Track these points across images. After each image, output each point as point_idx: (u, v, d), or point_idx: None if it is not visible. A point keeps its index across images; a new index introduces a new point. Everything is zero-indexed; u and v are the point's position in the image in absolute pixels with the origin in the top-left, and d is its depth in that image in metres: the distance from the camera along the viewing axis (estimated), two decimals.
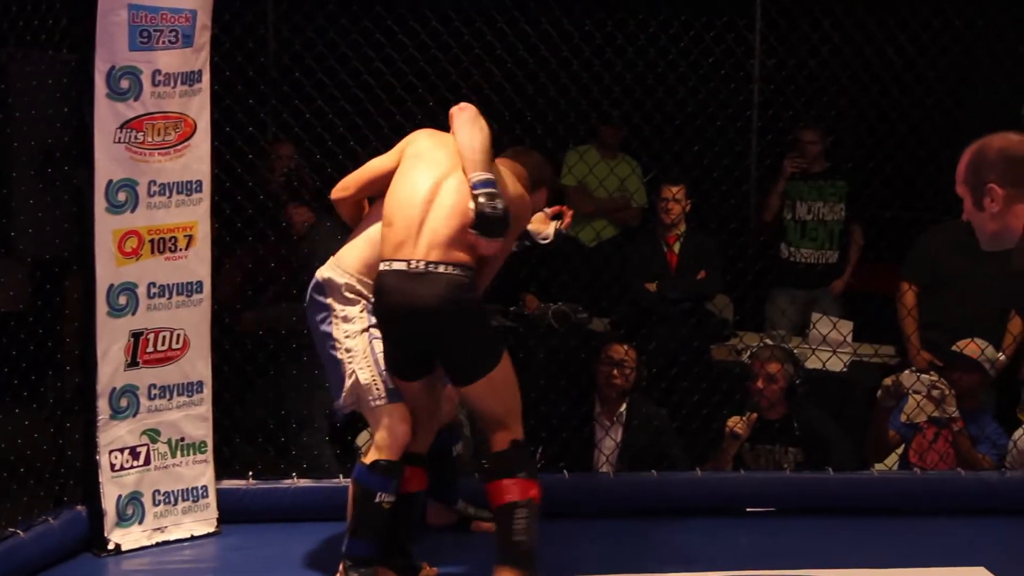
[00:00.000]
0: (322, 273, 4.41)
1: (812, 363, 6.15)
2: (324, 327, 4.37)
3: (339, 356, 4.33)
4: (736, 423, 5.64)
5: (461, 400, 4.57)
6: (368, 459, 4.28)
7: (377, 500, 4.24)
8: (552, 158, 6.15)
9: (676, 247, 6.70)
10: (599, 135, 7.06)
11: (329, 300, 4.37)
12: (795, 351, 5.98)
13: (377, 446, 4.29)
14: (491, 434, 4.26)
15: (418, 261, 4.14)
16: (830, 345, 6.30)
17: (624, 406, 5.72)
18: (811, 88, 6.36)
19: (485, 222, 4.12)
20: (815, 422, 5.71)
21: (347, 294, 4.35)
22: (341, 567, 4.28)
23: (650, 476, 5.34)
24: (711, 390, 5.90)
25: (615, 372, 5.67)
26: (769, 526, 5.25)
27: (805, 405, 5.75)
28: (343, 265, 4.39)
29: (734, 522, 5.26)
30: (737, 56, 6.29)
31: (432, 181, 4.22)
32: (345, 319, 4.34)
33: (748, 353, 6.05)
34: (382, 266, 4.21)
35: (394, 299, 4.15)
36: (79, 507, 4.69)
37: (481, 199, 4.12)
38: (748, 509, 5.37)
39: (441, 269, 4.12)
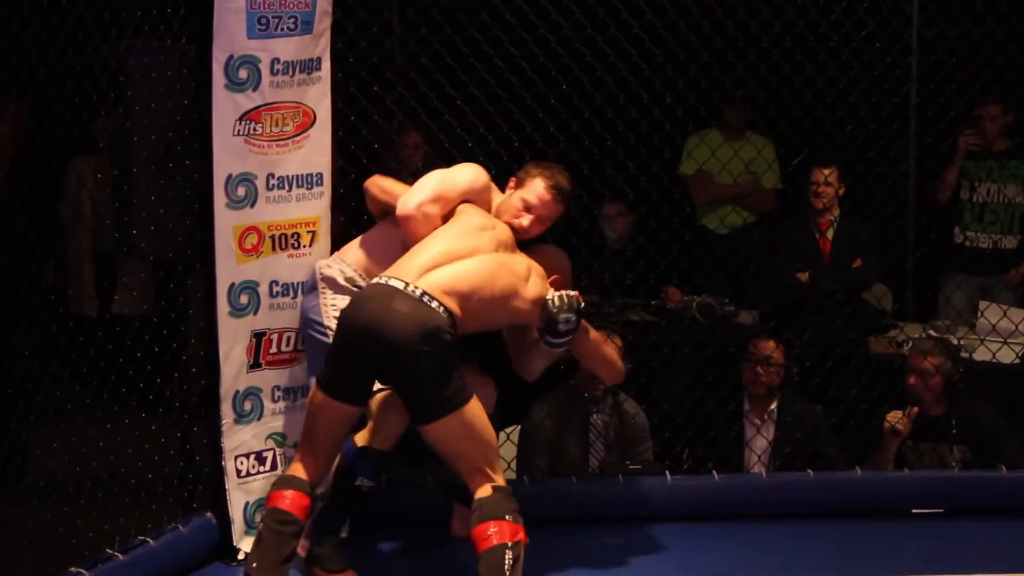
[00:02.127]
0: (322, 270, 4.60)
1: (981, 354, 6.00)
2: (312, 315, 4.56)
3: (327, 339, 4.44)
4: (897, 419, 5.53)
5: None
6: (361, 442, 4.45)
7: (358, 483, 4.47)
8: (671, 143, 6.11)
9: (829, 233, 6.58)
10: (722, 116, 6.95)
11: (324, 290, 4.55)
12: (962, 342, 5.81)
13: (373, 431, 4.46)
14: (471, 483, 4.22)
15: (416, 288, 4.20)
16: (1001, 335, 6.11)
17: (775, 403, 5.65)
18: (975, 60, 6.16)
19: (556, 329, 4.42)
20: (982, 417, 5.58)
21: (343, 283, 4.52)
22: (307, 532, 4.44)
23: (805, 476, 5.26)
24: (869, 384, 5.78)
25: (760, 370, 5.61)
26: (937, 528, 5.16)
27: (969, 400, 5.64)
28: (347, 259, 4.59)
29: (898, 525, 5.17)
30: (893, 27, 6.12)
31: (468, 246, 4.39)
32: (334, 307, 4.47)
33: (909, 345, 5.92)
34: (376, 278, 4.30)
35: (371, 306, 4.18)
36: (208, 514, 4.73)
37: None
38: (914, 510, 5.28)
39: (434, 304, 4.18)
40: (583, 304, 4.45)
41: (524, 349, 4.59)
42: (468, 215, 4.52)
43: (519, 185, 4.65)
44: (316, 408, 4.30)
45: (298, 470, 4.32)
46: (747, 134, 6.96)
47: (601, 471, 5.50)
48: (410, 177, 5.88)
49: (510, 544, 4.09)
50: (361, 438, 4.49)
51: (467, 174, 4.63)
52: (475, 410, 4.19)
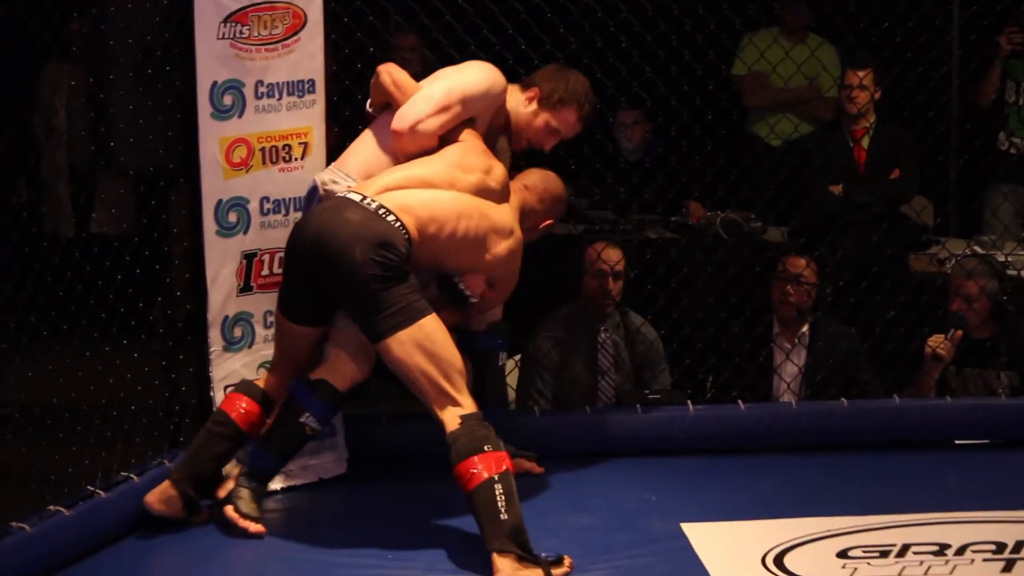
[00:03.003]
0: (322, 178, 4.54)
1: None
2: None
3: None
4: (939, 343, 5.54)
5: None
6: (314, 375, 4.41)
7: (302, 420, 4.40)
8: (723, 43, 6.04)
9: (864, 142, 6.57)
10: (782, 17, 6.91)
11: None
12: (1009, 258, 5.81)
13: (329, 367, 4.42)
14: (436, 409, 4.20)
15: (372, 200, 4.23)
16: None
17: (806, 326, 5.66)
18: None
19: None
20: None
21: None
22: (235, 471, 4.47)
23: (839, 405, 5.26)
24: (908, 305, 5.76)
25: (791, 289, 5.62)
26: (981, 460, 5.16)
27: (1018, 322, 5.65)
28: (346, 169, 4.53)
29: (940, 456, 5.18)
30: None
31: (446, 179, 4.40)
32: None
33: (951, 263, 5.90)
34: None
35: (321, 217, 4.24)
36: None
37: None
38: (956, 441, 5.28)
39: (390, 219, 4.20)
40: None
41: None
42: (463, 151, 4.49)
43: (548, 104, 4.64)
44: (277, 327, 4.46)
45: (260, 383, 4.50)
46: (808, 36, 6.93)
47: (617, 400, 5.51)
48: None
49: (497, 477, 4.07)
50: (316, 374, 4.46)
51: (480, 79, 4.56)
52: (431, 326, 4.19)
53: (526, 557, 4.02)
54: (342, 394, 4.47)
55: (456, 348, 4.24)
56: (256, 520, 4.41)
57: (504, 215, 4.52)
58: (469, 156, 4.50)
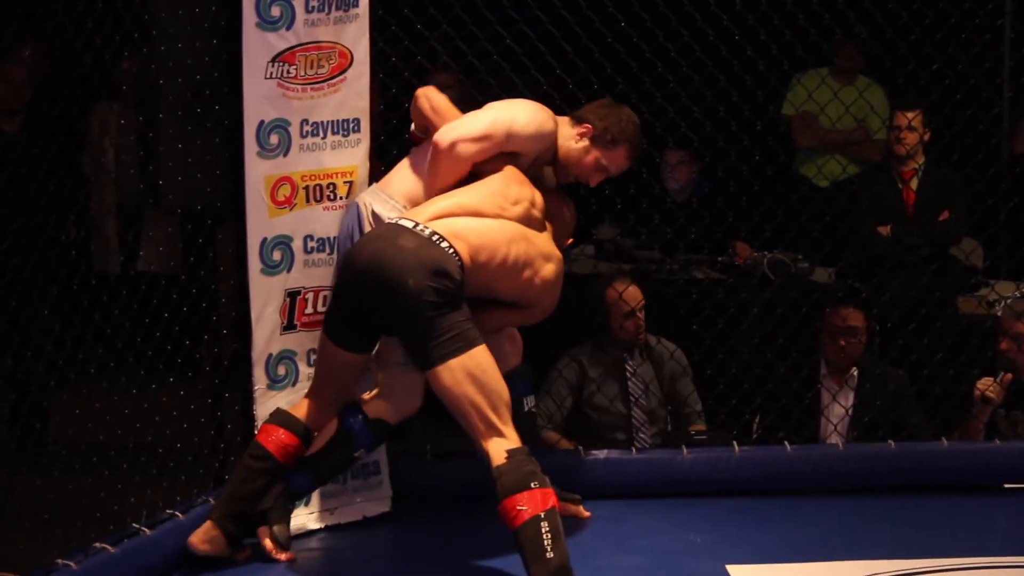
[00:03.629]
0: (365, 201, 4.57)
1: None
2: None
3: None
4: (988, 386, 5.52)
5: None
6: (372, 413, 4.47)
7: (356, 455, 4.51)
8: (771, 84, 6.05)
9: (913, 183, 6.55)
10: (833, 58, 6.91)
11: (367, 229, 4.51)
12: None
13: (383, 404, 4.49)
14: (481, 444, 4.19)
15: (426, 227, 4.25)
16: None
17: (854, 368, 5.62)
18: None
19: None
20: None
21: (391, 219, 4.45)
22: (276, 490, 4.49)
23: (887, 447, 5.24)
24: (957, 348, 5.75)
25: (844, 343, 5.66)
26: None
27: None
28: (390, 191, 4.57)
29: (989, 500, 5.16)
30: None
31: (494, 209, 4.44)
32: None
33: (1002, 305, 5.87)
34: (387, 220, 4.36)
35: (375, 245, 4.25)
36: None
37: None
38: (1006, 485, 5.25)
39: (444, 245, 4.21)
40: None
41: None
42: (506, 181, 4.52)
43: (601, 142, 4.64)
44: (321, 353, 4.46)
45: (299, 410, 4.48)
46: (857, 78, 6.93)
47: (663, 443, 5.50)
48: None
49: (543, 515, 4.04)
50: (371, 409, 4.50)
51: (529, 119, 4.59)
52: (482, 356, 4.18)
53: None
54: (392, 428, 4.52)
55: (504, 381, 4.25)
56: (285, 548, 4.48)
57: (547, 241, 4.55)
58: (512, 187, 4.52)
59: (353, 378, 4.49)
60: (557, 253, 4.57)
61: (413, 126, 4.73)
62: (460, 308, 4.18)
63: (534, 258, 4.44)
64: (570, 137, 4.67)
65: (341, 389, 4.49)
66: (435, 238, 4.21)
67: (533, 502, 4.05)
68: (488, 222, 4.39)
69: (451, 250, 4.21)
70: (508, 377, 4.59)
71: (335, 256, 4.69)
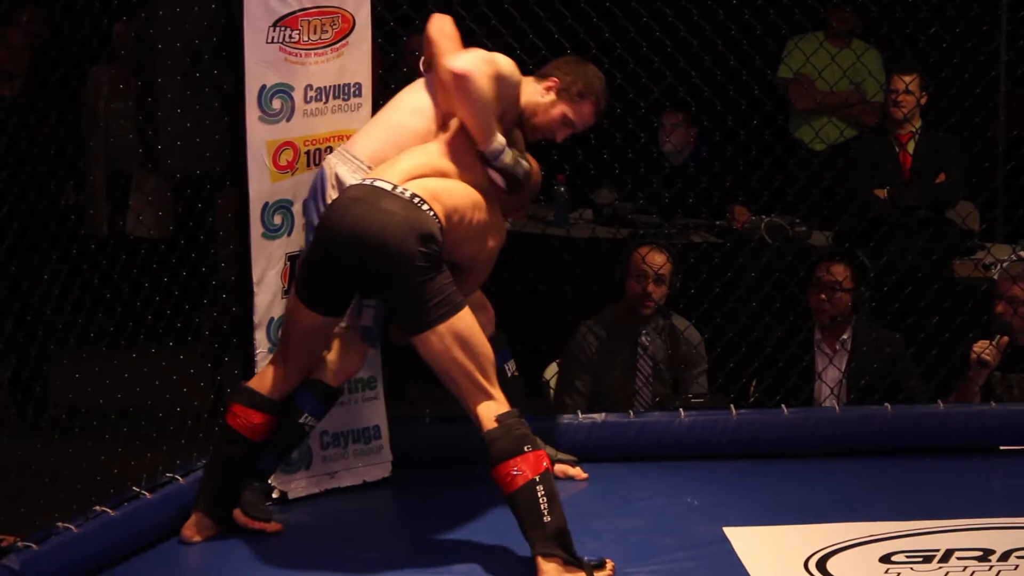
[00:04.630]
0: (331, 165, 4.50)
1: None
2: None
3: None
4: (984, 348, 5.53)
5: None
6: (312, 375, 4.46)
7: (301, 420, 4.46)
8: (769, 48, 6.06)
9: (910, 146, 6.58)
10: (828, 22, 6.92)
11: (331, 193, 4.43)
12: None
13: (321, 365, 4.46)
14: (471, 408, 4.18)
15: (404, 189, 4.20)
16: None
17: (848, 331, 5.67)
18: None
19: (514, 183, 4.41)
20: None
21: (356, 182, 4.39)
22: None
23: (883, 410, 5.26)
24: (953, 311, 5.77)
25: (824, 297, 5.62)
26: None
27: None
28: (355, 153, 4.50)
29: (984, 462, 5.18)
30: None
31: (460, 166, 4.40)
32: None
33: (998, 268, 5.90)
34: (362, 180, 4.30)
35: (358, 209, 4.17)
36: None
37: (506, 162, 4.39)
38: (1001, 447, 5.27)
39: (425, 208, 4.17)
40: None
41: None
42: (467, 142, 4.45)
43: (567, 96, 4.57)
44: (290, 318, 4.41)
45: (260, 382, 4.45)
46: (853, 42, 6.94)
47: (659, 403, 5.53)
48: None
49: (538, 478, 4.05)
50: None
51: (507, 65, 4.49)
52: (468, 319, 4.17)
53: (571, 560, 4.03)
54: (335, 389, 4.51)
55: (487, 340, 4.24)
56: (267, 520, 4.48)
57: (497, 212, 4.50)
58: (471, 149, 4.45)
59: (321, 343, 4.44)
60: (503, 223, 4.55)
61: (422, 60, 4.63)
62: (444, 271, 4.16)
63: (488, 228, 4.41)
64: (536, 92, 4.59)
65: (308, 355, 4.44)
66: (416, 200, 4.17)
67: (527, 466, 4.05)
68: (456, 184, 4.35)
69: (431, 212, 4.17)
70: None
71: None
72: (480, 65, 4.34)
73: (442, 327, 4.12)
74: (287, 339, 4.44)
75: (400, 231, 4.10)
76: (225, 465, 4.45)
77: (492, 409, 4.14)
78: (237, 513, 4.45)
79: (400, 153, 4.40)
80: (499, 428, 4.11)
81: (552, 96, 4.59)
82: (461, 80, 4.32)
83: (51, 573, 4.00)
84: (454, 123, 4.47)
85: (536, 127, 4.61)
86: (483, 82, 4.32)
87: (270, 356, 4.64)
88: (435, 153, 4.41)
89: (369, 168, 4.43)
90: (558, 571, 4.02)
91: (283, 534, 4.48)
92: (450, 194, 4.29)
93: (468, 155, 4.42)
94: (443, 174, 4.36)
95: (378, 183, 4.23)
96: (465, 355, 4.14)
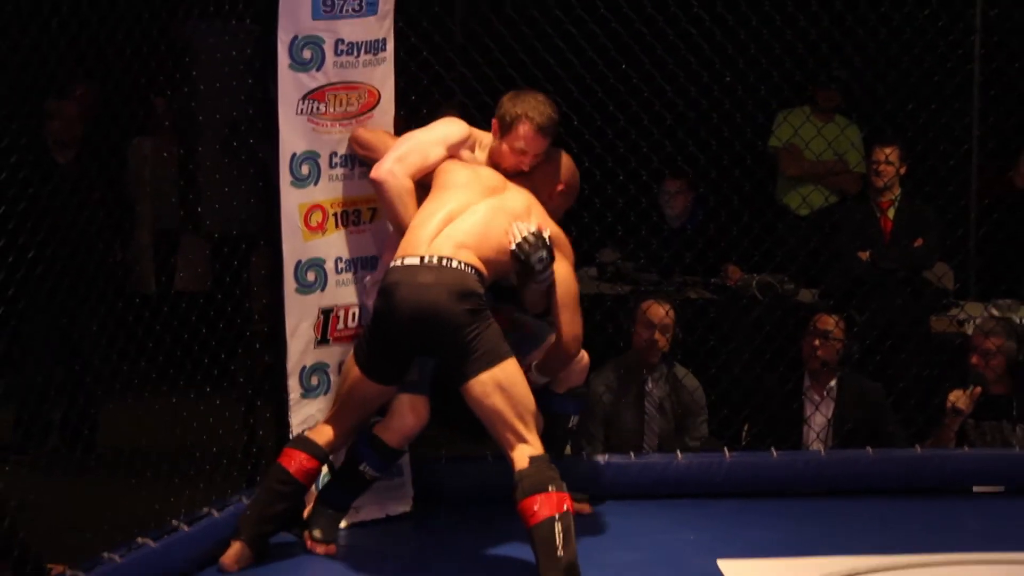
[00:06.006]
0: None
1: None
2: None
3: None
4: (958, 397, 5.55)
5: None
6: (375, 431, 4.54)
7: (361, 468, 4.55)
8: (760, 121, 6.12)
9: (890, 213, 6.57)
10: (814, 98, 6.98)
11: None
12: (1023, 321, 5.82)
13: (384, 424, 4.54)
14: (506, 448, 4.23)
15: (431, 256, 4.25)
16: None
17: (834, 380, 5.68)
18: None
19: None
20: None
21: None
22: (311, 503, 4.62)
23: (865, 454, 5.28)
24: (930, 363, 5.80)
25: (817, 343, 5.64)
26: (997, 506, 5.16)
27: None
28: None
29: (959, 503, 5.18)
30: (956, 5, 6.11)
31: (462, 202, 4.39)
32: None
33: (971, 324, 5.93)
34: (392, 263, 4.33)
35: (401, 292, 4.23)
36: None
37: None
38: (975, 489, 5.27)
39: (455, 264, 4.23)
40: (547, 235, 4.39)
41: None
42: (450, 172, 4.50)
43: (502, 129, 4.55)
44: (351, 383, 4.44)
45: (318, 434, 4.49)
46: (836, 117, 7.00)
47: (660, 447, 5.54)
48: None
49: (558, 516, 4.09)
50: (378, 427, 4.57)
51: (439, 129, 4.60)
52: (510, 369, 4.23)
53: None
54: (394, 450, 4.58)
55: (531, 392, 4.29)
56: (328, 543, 4.56)
57: (517, 200, 4.47)
58: (458, 173, 4.47)
59: (376, 407, 4.54)
60: (535, 203, 4.50)
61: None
62: (489, 323, 4.22)
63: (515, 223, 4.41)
64: (490, 140, 4.64)
65: (363, 417, 4.54)
66: (444, 262, 4.23)
67: (549, 504, 4.10)
68: (466, 218, 4.35)
69: (462, 265, 4.24)
70: (563, 395, 4.69)
71: (359, 276, 4.76)
72: (393, 168, 4.47)
73: (484, 376, 4.19)
74: (347, 403, 4.47)
75: (441, 299, 4.18)
76: (273, 501, 4.48)
77: (526, 451, 4.19)
78: (306, 534, 4.57)
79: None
80: (529, 468, 4.16)
81: (496, 138, 4.60)
82: (377, 186, 4.49)
83: None
84: (442, 166, 4.52)
85: (505, 169, 4.58)
86: (393, 185, 4.45)
87: (302, 401, 4.71)
88: (441, 200, 4.41)
89: None
90: None
91: (318, 564, 4.51)
92: (468, 233, 4.31)
93: (466, 181, 4.45)
94: (455, 215, 4.36)
95: (407, 260, 4.28)
96: (504, 402, 4.20)
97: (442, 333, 4.21)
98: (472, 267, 4.26)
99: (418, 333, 4.25)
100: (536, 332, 4.69)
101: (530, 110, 4.51)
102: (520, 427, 4.21)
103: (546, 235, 4.37)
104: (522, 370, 4.30)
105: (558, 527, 4.08)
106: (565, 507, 4.12)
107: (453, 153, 4.59)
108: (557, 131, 4.61)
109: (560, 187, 4.66)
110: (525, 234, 4.34)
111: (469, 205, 4.40)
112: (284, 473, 4.46)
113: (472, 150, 4.65)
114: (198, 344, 4.89)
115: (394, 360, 4.38)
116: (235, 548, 4.43)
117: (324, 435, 4.50)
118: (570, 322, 4.50)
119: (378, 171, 4.50)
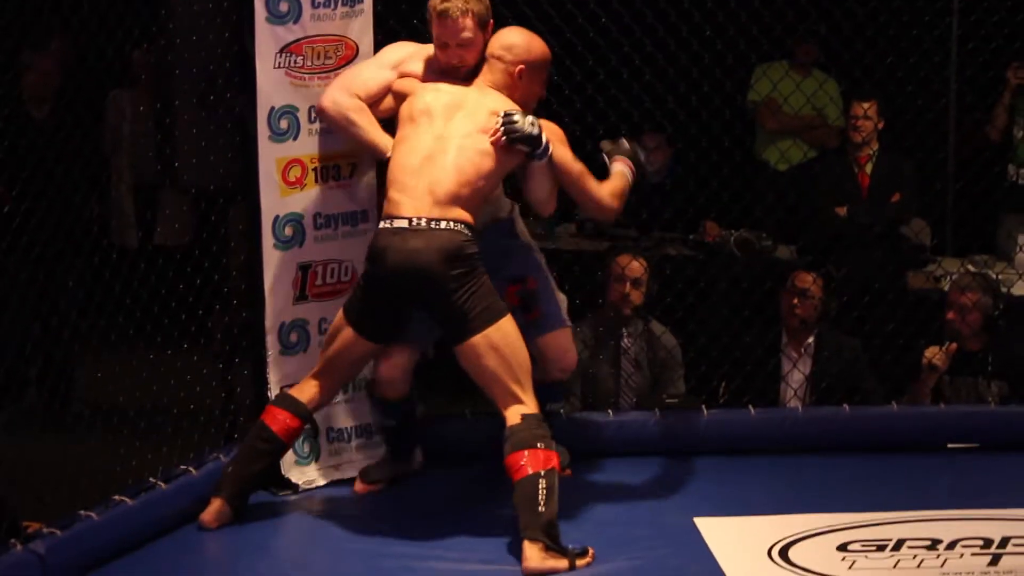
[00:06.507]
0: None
1: (1020, 289, 5.99)
2: None
3: None
4: (934, 354, 5.56)
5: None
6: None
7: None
8: (739, 76, 6.08)
9: (868, 168, 6.58)
10: (792, 53, 6.95)
11: None
12: (1000, 276, 5.82)
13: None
14: (501, 407, 4.24)
15: (419, 219, 4.21)
16: None
17: (812, 337, 5.69)
18: None
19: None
20: (1020, 352, 5.59)
21: None
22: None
23: (842, 410, 5.26)
24: (907, 319, 5.78)
25: (796, 301, 5.63)
26: (973, 463, 5.16)
27: (1008, 336, 5.65)
28: None
29: (934, 459, 5.17)
30: None
31: (433, 136, 4.31)
32: None
33: (948, 280, 5.93)
34: (382, 224, 4.30)
35: (391, 256, 4.22)
36: None
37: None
38: (949, 445, 5.27)
39: (443, 225, 4.20)
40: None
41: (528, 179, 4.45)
42: (411, 100, 4.40)
43: (429, 31, 4.46)
44: (341, 341, 4.39)
45: (302, 392, 4.45)
46: (814, 71, 6.98)
47: (637, 404, 5.54)
48: None
49: (543, 473, 4.11)
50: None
51: (382, 55, 4.54)
52: (507, 327, 4.23)
53: (554, 547, 4.08)
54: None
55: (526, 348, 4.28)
56: (374, 482, 4.75)
57: (482, 111, 4.34)
58: (422, 98, 4.37)
59: (363, 366, 4.54)
60: (508, 103, 4.36)
61: None
62: (483, 281, 4.21)
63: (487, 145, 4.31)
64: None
65: (350, 376, 4.56)
66: (432, 224, 4.20)
67: (535, 460, 4.11)
68: (445, 162, 4.26)
69: (451, 224, 4.21)
70: (547, 386, 4.61)
71: (340, 231, 4.73)
72: (332, 95, 4.46)
73: (478, 337, 4.19)
74: (335, 361, 4.42)
75: (431, 263, 4.16)
76: (254, 458, 4.46)
77: (519, 409, 4.20)
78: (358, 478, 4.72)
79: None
80: (520, 424, 4.17)
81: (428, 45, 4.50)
82: (321, 116, 4.53)
83: (74, 557, 4.02)
84: (410, 88, 4.44)
85: (449, 70, 4.44)
86: (332, 110, 4.44)
87: (281, 358, 4.68)
88: (414, 139, 4.34)
89: None
90: (540, 555, 4.07)
91: (294, 524, 4.52)
92: (451, 180, 4.24)
93: (428, 108, 4.36)
94: (432, 156, 4.28)
95: (396, 223, 4.25)
96: (499, 363, 4.20)
97: (434, 296, 4.20)
98: (461, 223, 4.23)
99: (409, 297, 4.25)
100: (546, 320, 4.69)
101: (437, 2, 4.35)
102: (514, 387, 4.21)
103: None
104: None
105: (542, 483, 4.09)
106: (551, 465, 4.13)
107: (405, 72, 4.48)
108: (486, 12, 4.41)
109: (519, 68, 4.43)
110: (503, 118, 4.27)
111: (440, 137, 4.30)
112: (267, 431, 4.43)
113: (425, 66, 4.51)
114: (176, 300, 4.85)
115: (387, 320, 4.36)
116: (215, 505, 4.41)
117: (308, 392, 4.45)
118: (595, 187, 4.44)
119: (319, 101, 4.48)
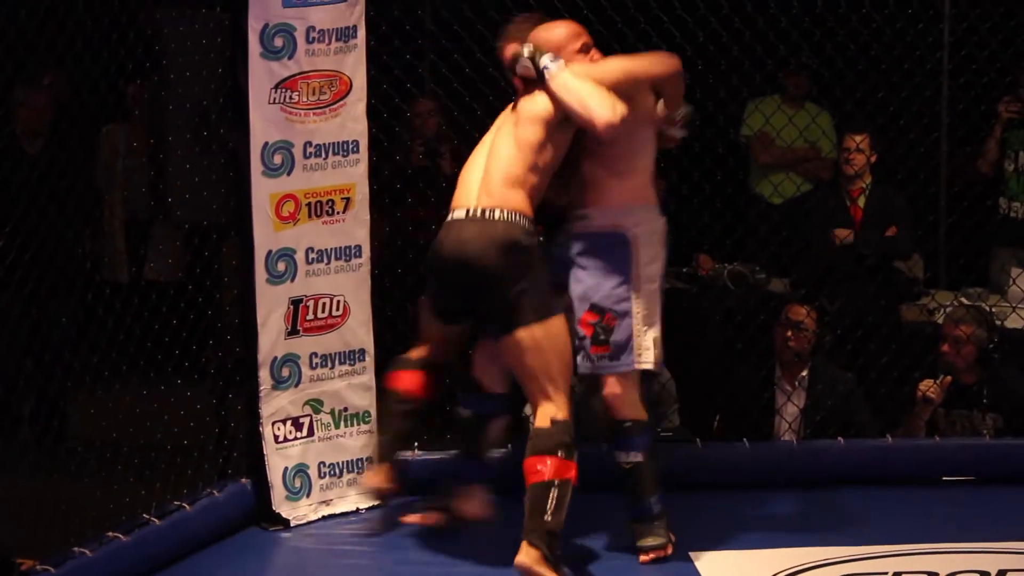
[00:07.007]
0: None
1: (1014, 322, 5.98)
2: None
3: None
4: (929, 387, 5.55)
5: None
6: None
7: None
8: (728, 110, 6.10)
9: (860, 201, 6.58)
10: (784, 85, 6.98)
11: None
12: (994, 309, 5.82)
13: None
14: (533, 406, 4.24)
15: (475, 209, 4.22)
16: None
17: (806, 370, 5.68)
18: (1009, 27, 6.13)
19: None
20: (1014, 385, 5.59)
21: None
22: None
23: (836, 444, 5.27)
24: (901, 352, 5.79)
25: (790, 334, 5.63)
26: (967, 496, 5.15)
27: (1002, 369, 5.64)
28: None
29: (929, 492, 5.17)
30: None
31: (488, 142, 4.37)
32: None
33: (942, 312, 5.94)
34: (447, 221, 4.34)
35: (446, 248, 4.25)
36: (244, 480, 4.77)
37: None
38: (944, 478, 5.26)
39: (498, 215, 4.19)
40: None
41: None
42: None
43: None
44: (426, 318, 4.49)
45: (413, 352, 4.52)
46: (806, 104, 7.01)
47: None
48: (420, 146, 5.96)
49: (556, 482, 4.10)
50: None
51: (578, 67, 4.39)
52: (556, 326, 4.20)
53: (550, 559, 4.06)
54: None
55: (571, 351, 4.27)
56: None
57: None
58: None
59: (457, 342, 4.53)
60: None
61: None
62: (538, 276, 4.19)
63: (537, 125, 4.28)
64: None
65: (445, 354, 4.54)
66: (487, 214, 4.20)
67: (553, 468, 4.11)
68: (496, 152, 4.29)
69: (506, 213, 4.20)
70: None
71: (333, 265, 4.74)
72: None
73: (522, 332, 4.16)
74: (424, 334, 4.52)
75: (485, 254, 4.16)
76: (399, 425, 4.53)
77: (549, 412, 4.19)
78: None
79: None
80: (546, 428, 4.16)
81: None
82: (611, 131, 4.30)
83: None
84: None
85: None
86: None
87: (273, 392, 4.69)
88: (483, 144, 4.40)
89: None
90: (535, 560, 4.05)
91: (285, 560, 4.52)
92: (505, 166, 4.24)
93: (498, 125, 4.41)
94: (491, 153, 4.31)
95: (454, 215, 4.28)
96: (540, 360, 4.18)
97: (486, 287, 4.18)
98: (518, 213, 4.20)
99: (463, 287, 4.24)
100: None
101: (503, 34, 4.47)
102: (549, 387, 4.19)
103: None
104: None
105: (554, 492, 4.09)
106: (568, 476, 4.13)
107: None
108: (528, 24, 4.45)
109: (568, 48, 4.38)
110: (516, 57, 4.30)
111: (498, 129, 4.36)
112: (397, 394, 4.50)
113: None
114: (169, 335, 4.84)
115: (451, 306, 4.37)
116: (380, 469, 4.52)
117: (414, 352, 4.52)
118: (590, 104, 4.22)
119: (611, 118, 4.20)
